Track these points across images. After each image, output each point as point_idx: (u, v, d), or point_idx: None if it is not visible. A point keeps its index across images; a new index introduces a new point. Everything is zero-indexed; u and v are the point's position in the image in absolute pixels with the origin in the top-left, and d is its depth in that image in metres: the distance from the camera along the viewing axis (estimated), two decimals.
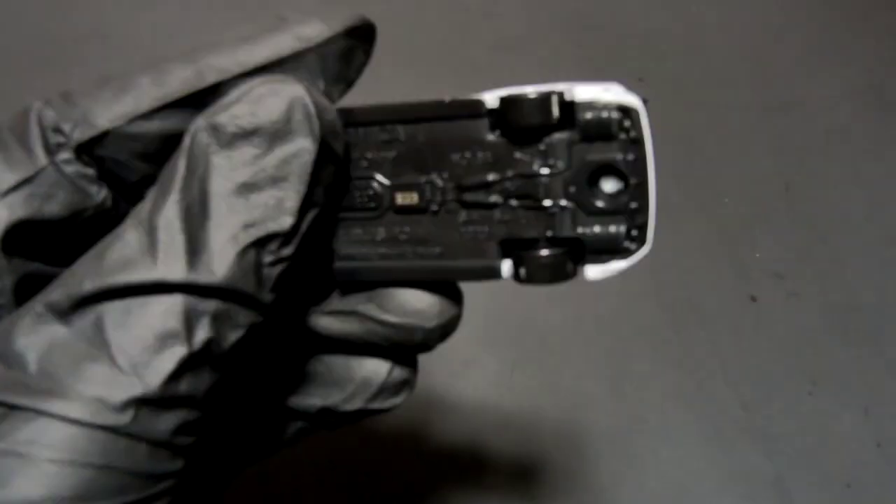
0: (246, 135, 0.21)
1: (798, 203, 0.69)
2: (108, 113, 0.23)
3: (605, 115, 0.21)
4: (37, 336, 0.20)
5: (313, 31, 0.24)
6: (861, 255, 0.65)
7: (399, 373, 0.28)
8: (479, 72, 0.78)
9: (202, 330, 0.20)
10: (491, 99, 0.22)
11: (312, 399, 0.29)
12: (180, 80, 0.23)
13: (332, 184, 0.24)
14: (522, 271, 0.23)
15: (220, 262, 0.21)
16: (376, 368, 0.28)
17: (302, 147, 0.22)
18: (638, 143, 0.22)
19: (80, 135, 0.23)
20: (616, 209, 0.22)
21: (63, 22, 0.79)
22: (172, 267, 0.20)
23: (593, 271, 0.23)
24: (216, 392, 0.22)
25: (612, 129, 0.22)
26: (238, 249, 0.21)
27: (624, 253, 0.23)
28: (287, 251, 0.22)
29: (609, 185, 0.22)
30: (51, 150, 0.23)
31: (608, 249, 0.23)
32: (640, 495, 0.53)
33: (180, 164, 0.22)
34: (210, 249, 0.21)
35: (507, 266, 0.24)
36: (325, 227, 0.26)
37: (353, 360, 0.28)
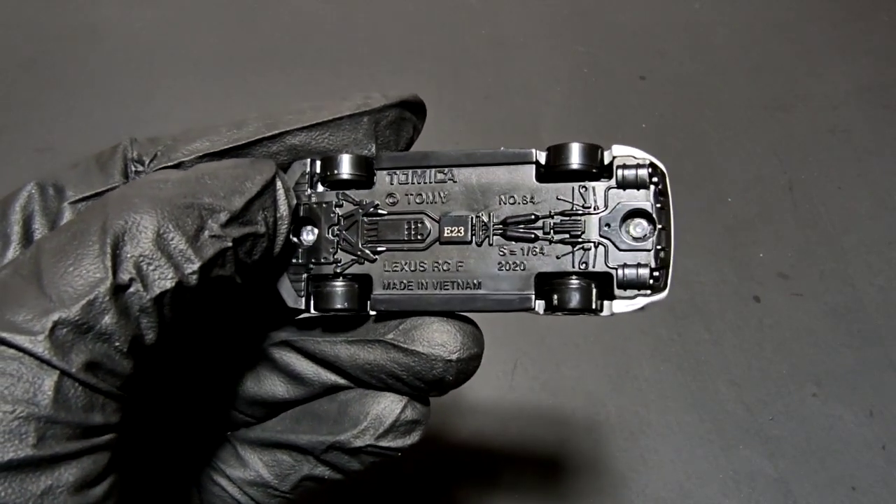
0: None
1: (802, 202, 0.68)
2: (186, 149, 0.27)
3: (641, 168, 0.26)
4: None
5: (371, 99, 0.28)
6: (865, 254, 0.65)
7: (412, 411, 0.29)
8: (479, 71, 0.78)
9: (126, 272, 0.21)
10: (539, 151, 0.27)
11: (322, 436, 0.29)
12: (253, 129, 0.27)
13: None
14: (555, 298, 0.26)
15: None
16: (390, 405, 0.29)
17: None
18: (665, 195, 0.26)
19: (156, 164, 0.27)
20: (644, 248, 0.26)
21: (56, 18, 0.79)
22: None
23: (618, 305, 0.26)
24: (149, 351, 0.22)
25: (646, 181, 0.26)
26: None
27: (649, 289, 0.26)
28: (231, 231, 0.24)
29: (637, 230, 0.26)
30: (127, 176, 0.27)
31: (635, 284, 0.26)
32: (642, 497, 0.52)
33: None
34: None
35: (541, 300, 0.27)
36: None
37: (369, 396, 0.29)
